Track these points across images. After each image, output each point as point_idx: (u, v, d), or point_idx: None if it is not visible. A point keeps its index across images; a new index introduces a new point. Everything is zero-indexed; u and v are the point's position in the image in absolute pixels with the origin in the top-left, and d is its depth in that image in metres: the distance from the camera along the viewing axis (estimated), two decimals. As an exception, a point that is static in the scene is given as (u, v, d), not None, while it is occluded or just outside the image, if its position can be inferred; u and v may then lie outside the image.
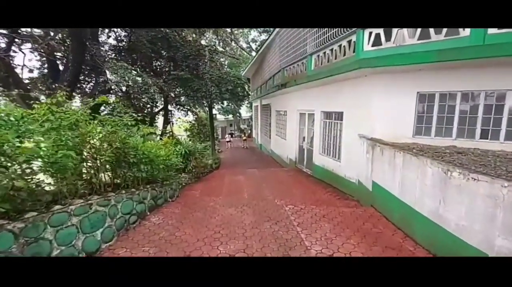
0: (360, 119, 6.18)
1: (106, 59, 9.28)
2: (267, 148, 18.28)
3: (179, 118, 17.88)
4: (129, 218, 3.89)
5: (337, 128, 7.52)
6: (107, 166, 3.74)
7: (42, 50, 10.76)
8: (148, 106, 14.91)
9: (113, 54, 11.18)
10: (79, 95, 10.81)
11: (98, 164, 3.47)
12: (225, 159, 16.80)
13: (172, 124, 19.64)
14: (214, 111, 38.28)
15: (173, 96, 11.70)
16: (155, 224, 4.04)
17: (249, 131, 33.49)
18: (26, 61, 15.11)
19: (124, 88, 12.66)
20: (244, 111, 39.81)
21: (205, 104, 11.41)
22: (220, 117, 38.53)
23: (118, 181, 4.10)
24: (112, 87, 8.67)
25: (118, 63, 9.28)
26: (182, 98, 12.94)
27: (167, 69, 12.46)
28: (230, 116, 37.27)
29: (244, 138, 27.12)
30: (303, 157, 10.28)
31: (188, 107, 16.21)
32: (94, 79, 10.47)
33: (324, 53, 7.00)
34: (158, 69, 13.55)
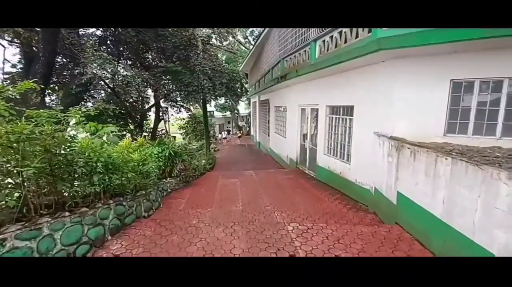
0: (376, 115, 5.15)
1: (84, 49, 8.18)
2: (265, 147, 17.25)
3: (171, 115, 16.80)
4: (75, 249, 2.85)
5: (346, 125, 6.48)
6: (40, 180, 2.71)
7: (18, 41, 9.69)
8: (139, 102, 13.82)
9: (97, 45, 10.07)
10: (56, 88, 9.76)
11: (21, 179, 2.43)
12: (220, 159, 15.78)
13: (165, 122, 18.58)
14: (211, 108, 37.52)
15: (163, 91, 10.58)
16: (114, 254, 3.01)
17: (248, 129, 32.60)
18: (10, 55, 13.93)
19: (109, 83, 11.57)
20: (242, 108, 38.72)
21: (198, 100, 10.33)
22: (217, 114, 37.46)
23: (64, 198, 3.08)
24: (92, 80, 7.55)
25: (97, 52, 8.19)
26: (174, 94, 11.75)
27: (157, 62, 11.35)
28: (228, 113, 36.19)
29: (239, 135, 27.48)
30: (305, 157, 9.25)
31: (181, 104, 15.10)
32: (70, 71, 9.37)
33: (331, 37, 5.94)
34: (147, 63, 12.45)
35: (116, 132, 3.66)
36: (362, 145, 5.68)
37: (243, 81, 13.51)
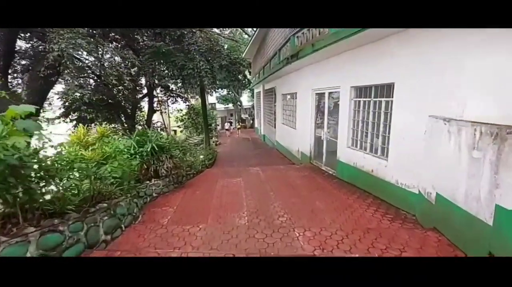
0: (430, 92, 3.68)
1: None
2: (271, 139, 15.80)
3: (168, 105, 15.30)
4: None
5: (380, 109, 5.00)
6: None
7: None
8: (130, 90, 12.37)
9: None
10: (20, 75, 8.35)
11: None
12: (222, 154, 14.40)
13: (162, 113, 17.19)
14: (213, 100, 36.06)
15: (154, 76, 9.08)
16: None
17: (251, 122, 31.20)
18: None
19: (92, 67, 10.12)
20: (245, 101, 37.13)
21: (194, 86, 8.87)
22: (219, 106, 36.01)
23: None
24: (60, 59, 6.10)
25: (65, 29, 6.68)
26: (166, 79, 10.12)
27: (146, 43, 9.84)
28: (230, 105, 34.67)
29: (238, 126, 26.51)
30: (321, 151, 7.79)
31: (178, 93, 13.59)
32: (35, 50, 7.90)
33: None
34: (137, 44, 10.95)
35: (39, 117, 2.23)
36: (407, 134, 4.22)
37: (245, 67, 11.91)
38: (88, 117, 10.63)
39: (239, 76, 9.90)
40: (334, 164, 6.93)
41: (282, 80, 12.25)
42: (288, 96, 11.24)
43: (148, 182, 5.11)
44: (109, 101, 11.36)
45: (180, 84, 12.02)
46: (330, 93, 7.15)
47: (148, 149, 4.89)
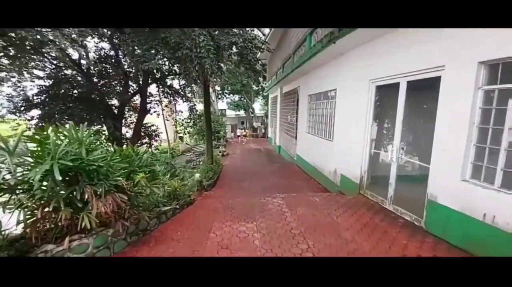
0: None
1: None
2: (289, 152, 12.88)
3: (166, 106, 12.61)
4: None
5: None
6: None
7: None
8: (115, 83, 9.82)
9: None
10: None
11: None
12: (229, 167, 11.56)
13: (164, 117, 14.68)
14: (223, 106, 33.56)
15: (137, 59, 6.39)
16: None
17: (263, 130, 28.50)
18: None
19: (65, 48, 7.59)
20: (257, 109, 34.47)
21: (191, 73, 6.15)
22: (230, 113, 33.44)
23: None
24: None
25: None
26: (153, 62, 7.04)
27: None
28: (242, 112, 31.99)
29: (244, 133, 25.60)
30: (384, 179, 4.81)
31: (176, 90, 10.83)
32: None
33: None
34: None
35: None
36: None
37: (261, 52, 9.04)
38: (56, 115, 8.04)
39: (255, 65, 7.08)
40: (417, 206, 3.96)
41: (308, 77, 9.44)
42: (321, 96, 8.36)
43: (50, 246, 2.28)
44: (88, 95, 8.79)
45: (172, 68, 9.20)
46: (411, 81, 4.22)
47: (36, 178, 2.01)
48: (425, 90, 4.36)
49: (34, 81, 7.99)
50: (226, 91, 28.65)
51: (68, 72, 9.22)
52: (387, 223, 4.00)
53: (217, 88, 27.83)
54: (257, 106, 34.61)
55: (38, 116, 7.92)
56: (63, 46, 8.58)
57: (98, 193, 2.42)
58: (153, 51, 6.20)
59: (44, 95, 8.02)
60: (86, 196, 2.28)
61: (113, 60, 9.03)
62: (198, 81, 6.86)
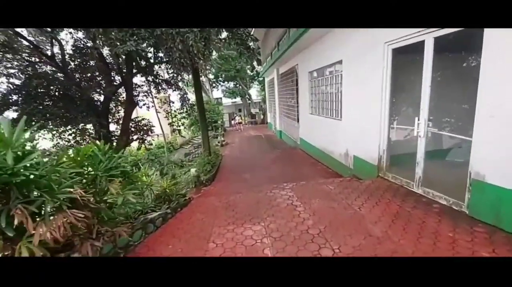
0: None
1: None
2: (291, 137, 12.14)
3: (155, 97, 11.78)
4: None
5: None
6: None
7: None
8: (97, 78, 8.96)
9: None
10: None
11: None
12: (228, 157, 10.88)
13: (156, 109, 13.91)
14: (218, 94, 32.50)
15: (108, 41, 5.49)
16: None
17: (262, 117, 27.64)
18: None
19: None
20: (254, 95, 33.40)
21: (174, 55, 5.32)
22: (226, 101, 32.42)
23: None
24: None
25: None
26: (129, 44, 5.95)
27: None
28: (238, 99, 30.97)
29: (240, 121, 24.51)
30: (410, 157, 4.10)
31: (163, 79, 9.96)
32: None
33: None
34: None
35: None
36: None
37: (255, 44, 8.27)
38: (34, 118, 7.24)
39: (247, 40, 6.21)
40: (456, 188, 3.28)
41: (308, 52, 8.57)
42: (326, 71, 7.54)
43: None
44: (66, 92, 7.96)
45: (163, 63, 8.43)
46: (438, 37, 3.42)
47: None
48: (457, 48, 3.57)
49: (8, 79, 7.17)
50: (220, 78, 27.53)
51: (43, 67, 8.33)
52: (421, 211, 3.33)
53: (210, 76, 26.77)
54: (254, 92, 33.54)
55: (12, 119, 7.14)
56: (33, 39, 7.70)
57: (42, 212, 1.73)
58: (129, 31, 5.33)
59: (16, 95, 7.19)
60: (16, 221, 1.58)
61: (90, 51, 8.12)
62: (185, 64, 6.01)
